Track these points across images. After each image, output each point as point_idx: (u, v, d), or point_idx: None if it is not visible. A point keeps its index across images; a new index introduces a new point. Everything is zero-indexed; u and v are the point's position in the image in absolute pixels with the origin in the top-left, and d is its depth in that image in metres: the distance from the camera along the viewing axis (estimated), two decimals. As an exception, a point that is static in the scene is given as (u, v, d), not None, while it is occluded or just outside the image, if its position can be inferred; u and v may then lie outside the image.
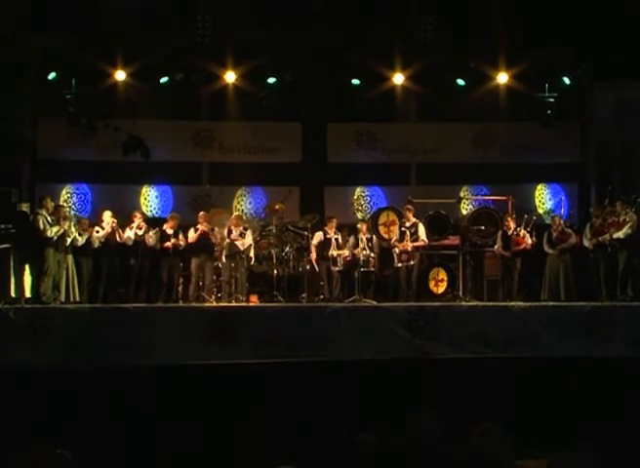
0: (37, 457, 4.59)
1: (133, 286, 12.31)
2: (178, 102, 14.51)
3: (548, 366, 10.35)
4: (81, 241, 11.99)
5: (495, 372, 10.20)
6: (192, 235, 12.56)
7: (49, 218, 11.44)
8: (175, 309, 11.34)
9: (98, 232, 12.25)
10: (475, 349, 10.51)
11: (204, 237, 12.55)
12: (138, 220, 12.50)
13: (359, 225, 12.80)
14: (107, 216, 12.42)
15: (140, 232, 12.39)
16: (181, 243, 12.48)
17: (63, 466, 4.60)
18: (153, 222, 13.23)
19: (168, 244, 12.42)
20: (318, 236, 12.85)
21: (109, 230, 12.24)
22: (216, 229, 12.74)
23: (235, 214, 13.26)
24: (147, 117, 13.81)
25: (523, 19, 13.83)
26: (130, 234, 12.35)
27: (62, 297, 11.64)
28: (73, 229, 11.81)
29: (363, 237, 12.52)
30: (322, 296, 12.54)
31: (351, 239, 12.75)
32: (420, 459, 5.02)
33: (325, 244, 12.71)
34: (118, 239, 12.26)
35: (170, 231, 12.53)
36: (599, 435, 8.63)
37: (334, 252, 12.54)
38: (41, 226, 11.34)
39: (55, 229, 11.40)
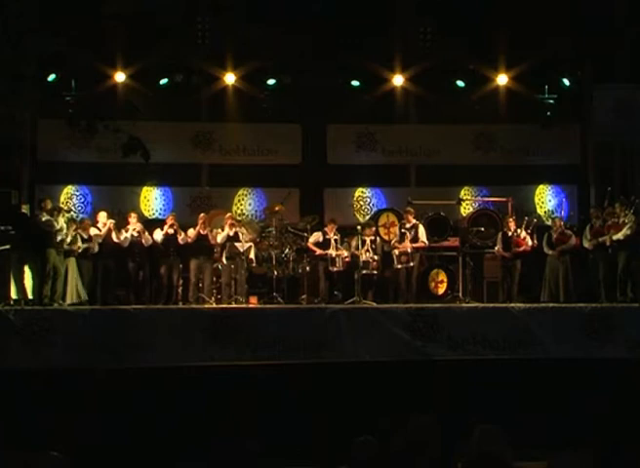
0: (31, 459, 4.60)
1: (132, 287, 12.33)
2: (177, 104, 14.52)
3: (548, 367, 10.36)
4: (80, 247, 11.97)
5: (494, 374, 10.21)
6: (192, 233, 12.56)
7: (50, 218, 11.49)
8: (174, 311, 11.34)
9: (96, 235, 12.23)
10: (475, 351, 10.52)
11: (202, 238, 12.53)
12: (133, 221, 12.52)
13: (359, 228, 12.73)
14: (103, 217, 12.44)
15: (136, 233, 12.38)
16: (181, 235, 12.46)
17: (52, 466, 4.61)
18: (153, 224, 13.26)
19: (170, 231, 12.41)
20: (316, 236, 12.85)
21: (106, 231, 12.23)
22: (214, 231, 12.74)
23: (228, 214, 13.21)
24: (147, 119, 13.79)
25: (523, 20, 13.83)
26: (126, 236, 12.35)
27: (69, 299, 11.66)
28: (69, 237, 11.78)
29: (367, 239, 12.48)
30: (321, 298, 12.53)
31: (354, 240, 12.70)
32: (419, 461, 5.03)
33: (324, 244, 12.70)
34: (115, 239, 12.25)
35: (171, 231, 12.53)
36: (599, 437, 8.64)
37: (332, 252, 12.53)
38: (43, 219, 11.38)
39: (61, 221, 11.44)
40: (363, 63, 14.46)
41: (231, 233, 12.57)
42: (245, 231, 12.85)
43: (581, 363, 10.34)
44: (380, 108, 15.01)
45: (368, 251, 12.34)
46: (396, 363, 10.28)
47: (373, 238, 12.62)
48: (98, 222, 12.44)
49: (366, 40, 14.06)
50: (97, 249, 12.16)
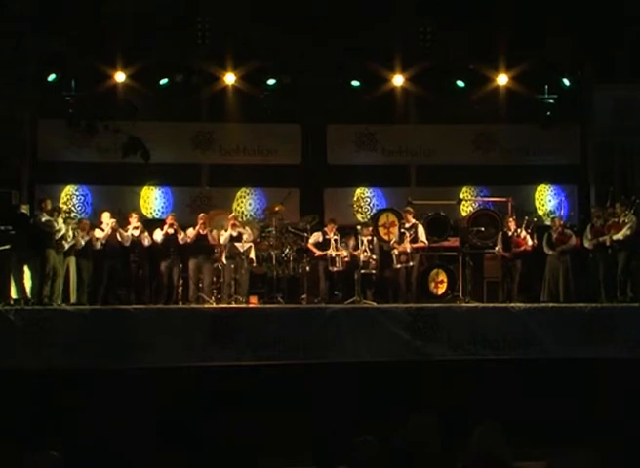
0: (30, 459, 4.60)
1: (132, 287, 12.34)
2: (177, 104, 14.51)
3: (548, 367, 10.36)
4: (82, 243, 12.00)
5: (494, 374, 10.22)
6: (191, 233, 12.55)
7: (50, 219, 11.51)
8: (174, 311, 11.34)
9: (98, 238, 12.22)
10: (475, 351, 10.53)
11: (202, 238, 12.52)
12: (134, 221, 12.54)
13: (359, 228, 12.75)
14: (106, 218, 12.44)
15: (137, 233, 12.39)
16: (181, 235, 12.44)
17: (50, 466, 4.61)
18: (153, 224, 13.27)
19: (170, 231, 12.40)
20: (316, 236, 12.86)
21: (109, 231, 12.25)
22: (214, 231, 12.74)
23: (232, 214, 13.23)
24: (147, 119, 13.78)
25: (523, 20, 13.84)
26: (127, 234, 12.36)
27: (72, 298, 11.67)
28: (71, 233, 11.79)
29: (364, 239, 12.50)
30: (321, 298, 12.53)
31: (352, 240, 12.73)
32: (420, 461, 5.03)
33: (324, 244, 12.70)
34: (119, 238, 12.25)
35: (170, 231, 12.53)
36: (599, 436, 8.65)
37: (332, 252, 12.53)
38: (43, 220, 11.39)
39: (60, 221, 11.47)
40: (363, 63, 14.45)
41: (234, 233, 12.57)
42: (249, 231, 12.86)
43: (581, 363, 10.34)
44: (380, 108, 15.00)
45: (366, 250, 12.35)
46: (396, 363, 10.28)
47: (370, 238, 12.62)
48: (102, 223, 12.43)
49: (366, 40, 14.06)
50: (99, 245, 12.17)
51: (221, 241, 12.55)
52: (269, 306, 11.71)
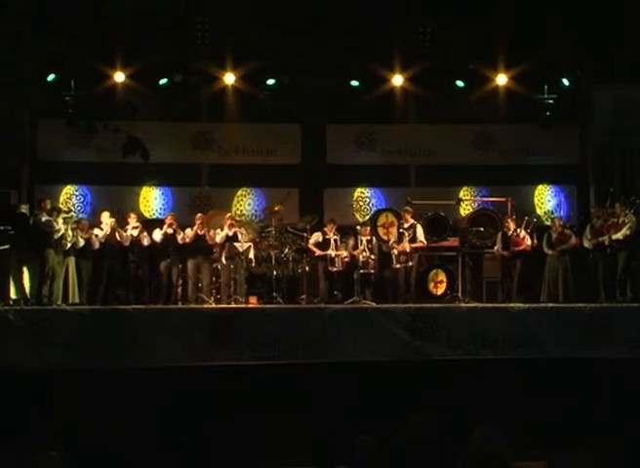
0: (30, 459, 4.60)
1: (131, 287, 12.33)
2: (177, 104, 14.52)
3: (548, 367, 10.36)
4: (81, 243, 12.00)
5: (494, 374, 10.22)
6: (189, 233, 12.55)
7: (49, 218, 11.51)
8: (174, 311, 11.34)
9: (97, 236, 12.23)
10: (474, 351, 10.53)
11: (200, 238, 12.52)
12: (133, 221, 12.54)
13: (358, 228, 12.77)
14: (106, 217, 12.45)
15: (136, 233, 12.40)
16: (180, 235, 12.44)
17: (50, 466, 4.61)
18: (153, 224, 13.27)
19: (169, 231, 12.39)
20: (316, 236, 12.87)
21: (109, 231, 12.25)
22: (211, 231, 12.73)
23: (228, 214, 13.22)
24: (147, 119, 13.78)
25: (523, 20, 13.85)
26: (127, 234, 12.37)
27: (72, 299, 11.67)
28: (70, 232, 11.80)
29: (363, 239, 12.52)
30: (320, 298, 12.53)
31: (351, 240, 12.75)
32: (420, 461, 5.03)
33: (324, 244, 12.71)
34: (118, 238, 12.26)
35: (170, 231, 12.52)
36: (599, 436, 8.65)
37: (332, 252, 12.54)
38: (43, 220, 11.39)
39: (60, 221, 11.48)
40: (363, 63, 14.46)
41: (230, 233, 12.56)
42: (244, 231, 12.86)
43: (581, 363, 10.34)
44: (379, 108, 15.01)
45: (365, 250, 12.36)
46: (396, 363, 10.28)
47: (369, 238, 12.63)
48: (101, 223, 12.44)
49: (366, 40, 14.06)
50: (97, 245, 12.17)
51: (217, 240, 12.55)
52: (269, 306, 11.71)
